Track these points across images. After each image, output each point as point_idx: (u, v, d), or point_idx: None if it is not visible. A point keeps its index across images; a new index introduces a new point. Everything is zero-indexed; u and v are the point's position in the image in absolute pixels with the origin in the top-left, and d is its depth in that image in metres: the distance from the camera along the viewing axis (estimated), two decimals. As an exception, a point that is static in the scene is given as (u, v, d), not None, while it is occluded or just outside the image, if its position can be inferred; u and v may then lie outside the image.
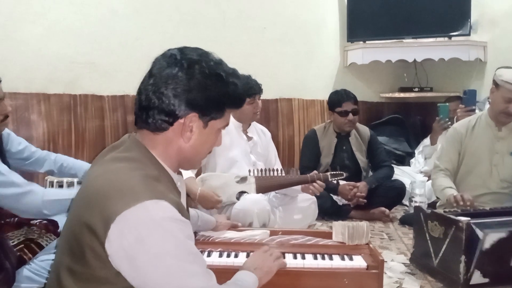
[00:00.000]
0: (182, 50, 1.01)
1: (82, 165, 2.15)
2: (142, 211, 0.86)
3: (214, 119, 1.02)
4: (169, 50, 1.02)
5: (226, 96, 1.01)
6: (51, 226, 1.69)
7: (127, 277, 0.88)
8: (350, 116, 2.99)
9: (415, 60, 3.92)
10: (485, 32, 3.83)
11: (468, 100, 2.93)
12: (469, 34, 3.77)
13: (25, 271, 1.59)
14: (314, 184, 2.35)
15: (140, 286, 0.89)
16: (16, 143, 1.99)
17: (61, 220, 1.66)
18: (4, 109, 1.73)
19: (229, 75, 1.01)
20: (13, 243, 1.59)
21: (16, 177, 1.60)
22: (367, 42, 3.97)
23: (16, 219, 1.67)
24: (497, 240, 1.72)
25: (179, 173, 1.11)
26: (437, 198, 2.54)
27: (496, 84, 2.28)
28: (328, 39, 4.03)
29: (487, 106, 2.50)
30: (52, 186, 2.32)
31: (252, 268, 1.17)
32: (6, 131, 1.93)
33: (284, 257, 1.38)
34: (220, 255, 1.45)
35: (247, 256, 1.44)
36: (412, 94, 4.08)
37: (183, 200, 1.11)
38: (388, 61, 3.94)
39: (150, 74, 1.00)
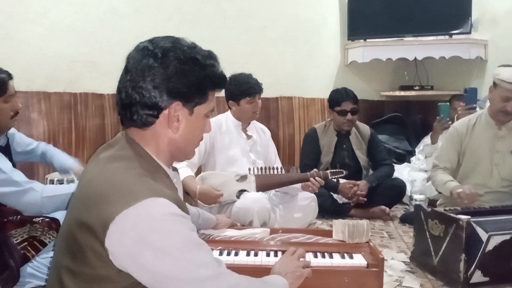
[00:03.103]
0: (153, 40, 1.00)
1: (63, 160, 2.13)
2: (141, 209, 0.85)
3: (198, 105, 1.01)
4: (140, 43, 1.01)
5: (205, 78, 0.99)
6: (53, 224, 1.70)
7: (135, 274, 0.87)
8: (349, 116, 2.99)
9: (415, 59, 3.91)
10: (486, 30, 3.82)
11: (469, 98, 2.93)
12: (470, 33, 3.76)
13: (28, 268, 1.61)
14: (312, 179, 2.36)
15: (151, 283, 0.88)
16: (20, 139, 2.02)
17: (62, 217, 1.66)
18: (15, 105, 1.75)
19: (205, 57, 1.00)
20: (17, 241, 1.60)
21: (18, 175, 1.62)
22: (367, 40, 3.96)
23: (19, 217, 1.68)
24: (500, 242, 1.73)
25: (175, 169, 1.11)
26: (439, 193, 2.53)
27: (494, 83, 2.28)
28: (329, 38, 4.03)
29: (488, 104, 2.50)
30: (53, 183, 2.33)
31: (283, 273, 1.15)
32: (11, 129, 1.95)
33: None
34: (220, 254, 1.45)
35: (247, 254, 1.45)
36: (413, 93, 4.07)
37: (180, 196, 1.11)
38: (388, 59, 3.93)
39: (126, 70, 0.99)
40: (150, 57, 0.96)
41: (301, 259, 1.27)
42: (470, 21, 3.74)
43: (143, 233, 0.85)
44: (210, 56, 1.02)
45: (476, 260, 1.72)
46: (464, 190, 2.15)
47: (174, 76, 0.95)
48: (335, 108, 3.02)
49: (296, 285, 1.18)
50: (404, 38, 3.90)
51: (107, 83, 3.05)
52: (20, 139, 2.03)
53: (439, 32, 3.86)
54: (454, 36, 3.80)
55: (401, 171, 3.23)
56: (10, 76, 1.72)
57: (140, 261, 0.86)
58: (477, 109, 2.94)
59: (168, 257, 0.87)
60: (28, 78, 2.85)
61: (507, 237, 1.74)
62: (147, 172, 0.94)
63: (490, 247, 1.72)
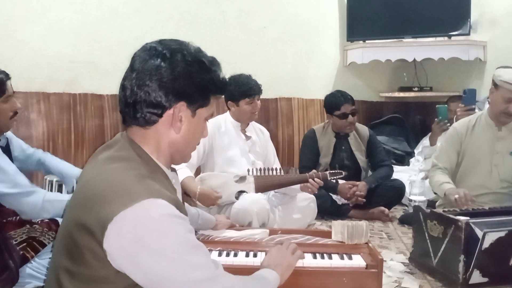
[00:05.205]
0: (161, 41, 1.02)
1: (63, 168, 2.11)
2: (140, 210, 0.86)
3: (201, 107, 1.02)
4: (147, 43, 1.02)
5: (210, 82, 1.01)
6: (53, 225, 1.71)
7: (132, 275, 0.88)
8: (350, 118, 2.98)
9: (414, 60, 3.91)
10: (484, 31, 3.83)
11: (468, 99, 2.93)
12: (469, 34, 3.77)
13: (27, 269, 1.60)
14: (311, 180, 2.36)
15: (147, 284, 0.89)
16: (17, 143, 2.00)
17: (61, 218, 1.66)
18: (14, 105, 1.75)
19: (210, 62, 1.02)
20: (16, 242, 1.60)
21: (21, 178, 1.61)
22: (367, 41, 3.97)
23: (18, 217, 1.68)
24: (496, 239, 1.73)
25: (173, 170, 1.11)
26: (435, 193, 2.54)
27: (495, 84, 2.28)
28: (328, 39, 4.03)
29: (487, 105, 2.50)
30: (52, 185, 2.32)
31: (272, 266, 1.17)
32: (9, 133, 1.94)
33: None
34: (220, 254, 1.45)
35: (246, 255, 1.45)
36: (412, 94, 4.08)
37: (179, 197, 1.12)
38: (387, 61, 3.94)
39: (131, 68, 0.99)
40: (157, 57, 0.97)
41: (289, 248, 1.30)
42: (469, 23, 3.75)
43: (140, 234, 0.85)
44: (214, 61, 1.04)
45: (474, 259, 1.72)
46: (458, 193, 2.15)
47: (181, 76, 0.97)
48: (335, 112, 3.00)
49: (287, 275, 1.20)
50: (403, 39, 3.91)
51: (106, 83, 3.04)
52: (16, 143, 2.00)
53: (438, 33, 3.87)
54: (453, 37, 3.81)
55: (400, 176, 3.23)
56: (7, 76, 1.72)
57: (137, 262, 0.86)
58: (476, 110, 2.94)
59: (164, 258, 0.87)
60: (28, 78, 2.84)
61: (502, 234, 1.74)
62: (146, 173, 0.94)
63: (486, 244, 1.71)
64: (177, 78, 0.96)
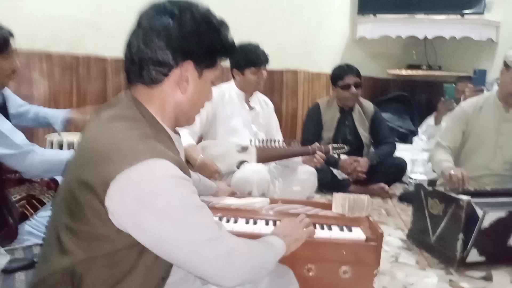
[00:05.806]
0: (170, 0, 0.98)
1: (57, 114, 2.07)
2: (143, 169, 0.84)
3: (207, 68, 1.00)
4: (156, 2, 0.99)
5: (218, 43, 0.98)
6: (52, 183, 1.70)
7: (134, 234, 0.87)
8: (353, 89, 2.94)
9: (425, 37, 3.83)
10: (499, 11, 3.73)
11: (478, 80, 2.89)
12: (482, 13, 3.68)
13: (26, 226, 1.61)
14: (316, 155, 2.35)
15: (150, 243, 0.88)
16: (13, 100, 1.97)
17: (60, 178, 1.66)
18: (14, 64, 1.71)
19: (219, 23, 0.99)
20: (15, 199, 1.60)
21: (18, 137, 1.59)
22: (377, 15, 3.87)
23: (18, 174, 1.68)
24: (496, 220, 1.73)
25: (177, 133, 1.09)
26: (433, 171, 2.53)
27: (506, 65, 2.24)
28: (338, 11, 3.94)
29: (495, 87, 2.46)
30: (52, 145, 2.32)
31: (281, 235, 1.16)
32: (6, 89, 1.91)
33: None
34: (220, 220, 1.45)
35: (246, 222, 1.45)
36: (420, 72, 4.02)
37: (182, 159, 1.10)
38: (398, 37, 3.86)
39: (138, 25, 0.97)
40: (166, 15, 0.94)
41: (302, 221, 1.28)
42: (483, 1, 3.64)
43: (144, 193, 0.84)
44: (223, 23, 1.01)
45: (472, 238, 1.73)
46: (456, 173, 2.12)
47: (189, 35, 0.94)
48: (338, 82, 2.98)
49: (294, 247, 1.19)
50: (415, 15, 3.81)
51: (109, 46, 2.99)
52: (13, 100, 1.96)
53: (451, 11, 3.77)
54: (466, 16, 3.72)
55: (403, 154, 3.22)
56: (11, 34, 1.68)
57: (140, 222, 0.85)
58: (485, 91, 2.90)
59: (168, 218, 0.86)
60: (30, 36, 2.79)
61: (503, 214, 1.74)
62: (150, 133, 0.92)
63: (485, 223, 1.72)
64: (185, 36, 0.94)
